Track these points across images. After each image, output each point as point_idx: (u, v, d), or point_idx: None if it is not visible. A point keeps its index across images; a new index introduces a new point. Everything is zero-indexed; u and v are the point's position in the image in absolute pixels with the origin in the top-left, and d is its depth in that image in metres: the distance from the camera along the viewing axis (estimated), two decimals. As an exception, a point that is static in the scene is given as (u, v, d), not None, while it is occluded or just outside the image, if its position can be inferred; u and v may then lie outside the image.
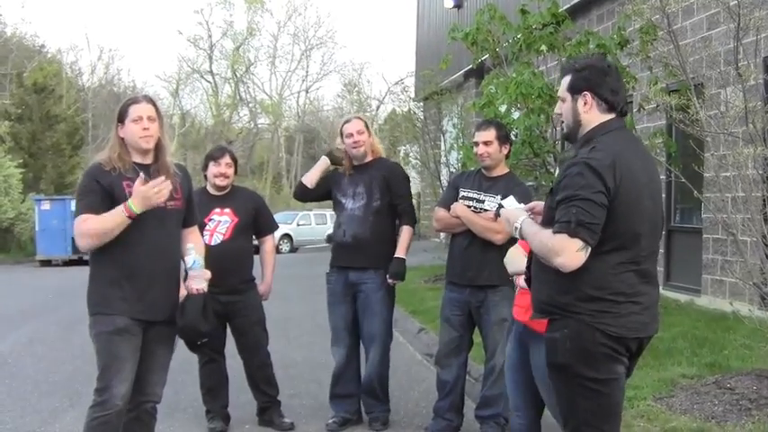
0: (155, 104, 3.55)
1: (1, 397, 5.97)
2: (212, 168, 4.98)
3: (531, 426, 3.64)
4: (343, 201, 4.99)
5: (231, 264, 4.76)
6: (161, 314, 3.50)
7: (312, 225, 28.34)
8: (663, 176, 7.16)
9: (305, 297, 10.88)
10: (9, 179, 23.31)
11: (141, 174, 3.43)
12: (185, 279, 3.63)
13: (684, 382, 5.19)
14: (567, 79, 2.89)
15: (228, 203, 4.98)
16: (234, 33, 47.32)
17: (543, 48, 6.95)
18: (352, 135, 4.92)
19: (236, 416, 5.12)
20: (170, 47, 71.40)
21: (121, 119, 3.50)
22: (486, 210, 4.54)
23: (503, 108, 7.06)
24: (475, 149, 4.68)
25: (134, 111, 3.47)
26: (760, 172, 5.52)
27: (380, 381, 5.01)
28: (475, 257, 4.53)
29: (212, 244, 4.71)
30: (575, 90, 2.86)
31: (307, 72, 50.28)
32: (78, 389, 5.90)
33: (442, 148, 14.05)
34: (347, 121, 5.04)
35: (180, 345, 3.76)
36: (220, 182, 4.98)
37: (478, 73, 14.14)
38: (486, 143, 4.58)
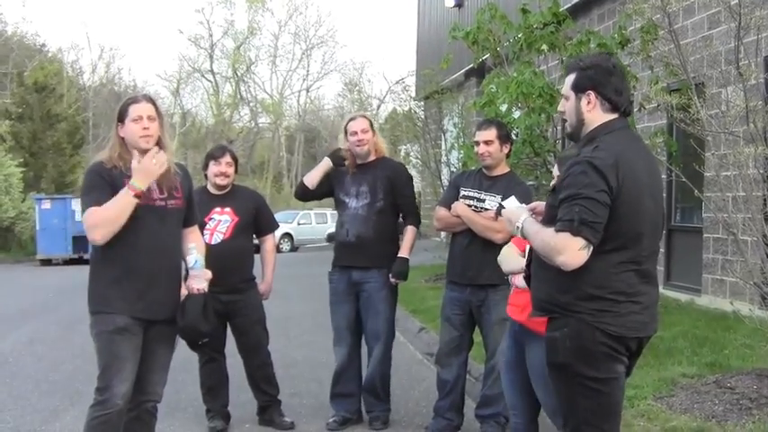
0: (155, 104, 3.54)
1: (1, 396, 5.97)
2: (213, 167, 4.98)
3: (528, 425, 3.64)
4: (346, 200, 4.99)
5: (232, 263, 4.76)
6: (162, 313, 3.50)
7: (313, 224, 28.35)
8: (663, 176, 7.16)
9: (305, 296, 10.88)
10: (10, 178, 23.31)
11: (135, 152, 3.42)
12: (186, 279, 3.63)
13: (685, 382, 5.19)
14: (571, 77, 2.89)
15: (229, 203, 4.98)
16: (235, 32, 47.43)
17: (544, 47, 6.94)
18: (356, 133, 4.92)
19: (236, 415, 5.12)
20: (171, 46, 71.62)
21: (121, 118, 3.50)
22: (486, 209, 4.53)
23: (503, 107, 7.05)
24: (476, 149, 4.67)
25: (134, 110, 3.46)
26: (761, 171, 5.51)
27: (382, 380, 5.01)
28: (475, 257, 4.53)
29: (213, 243, 4.71)
30: (579, 88, 2.85)
31: (307, 71, 50.46)
32: (79, 388, 5.90)
33: (443, 147, 14.04)
34: (352, 119, 5.04)
35: (180, 344, 3.76)
36: (221, 181, 4.98)
37: (479, 72, 14.13)
38: (486, 142, 4.58)
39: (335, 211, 5.22)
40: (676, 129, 7.89)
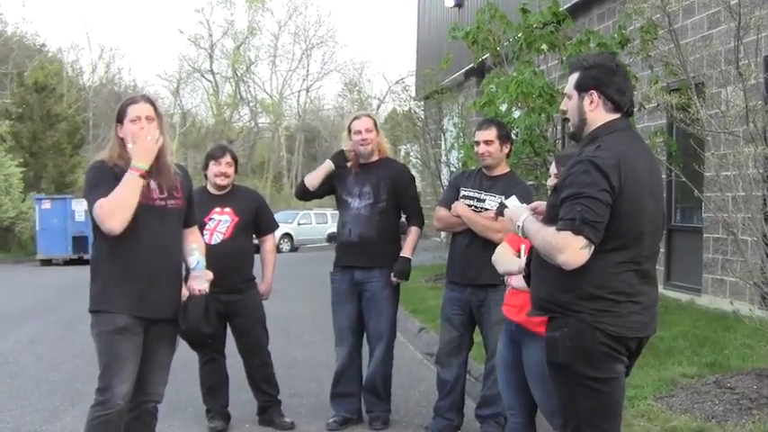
0: (153, 104, 3.54)
1: (2, 396, 5.98)
2: (213, 168, 4.98)
3: (526, 425, 3.63)
4: (349, 200, 4.98)
5: (231, 263, 4.75)
6: (162, 312, 3.50)
7: (313, 224, 28.33)
8: (663, 176, 7.15)
9: (305, 296, 10.89)
10: (10, 178, 23.29)
11: (129, 136, 3.42)
12: (187, 279, 3.63)
13: (685, 382, 5.19)
14: (574, 76, 2.88)
15: (229, 203, 4.98)
16: (234, 32, 47.37)
17: (544, 47, 6.95)
18: (360, 132, 4.92)
19: (236, 415, 5.12)
20: (171, 46, 71.61)
21: (120, 119, 3.49)
22: (486, 209, 4.53)
23: (503, 107, 7.06)
24: (476, 148, 4.67)
25: (132, 111, 3.46)
26: (760, 171, 5.52)
27: (384, 379, 5.01)
28: (475, 257, 4.53)
29: (212, 243, 4.71)
30: (582, 88, 2.85)
31: (307, 71, 50.36)
32: (79, 388, 5.90)
33: (443, 147, 14.04)
34: (356, 118, 5.03)
35: (181, 344, 3.76)
36: (221, 181, 4.98)
37: (479, 72, 14.12)
38: (487, 142, 4.58)
39: (336, 212, 5.22)
40: (676, 128, 7.90)
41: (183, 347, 3.81)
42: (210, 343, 3.89)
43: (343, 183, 5.02)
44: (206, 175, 5.06)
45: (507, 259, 3.53)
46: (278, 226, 5.61)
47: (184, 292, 3.59)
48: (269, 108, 49.31)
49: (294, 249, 26.60)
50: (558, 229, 2.65)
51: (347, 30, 66.16)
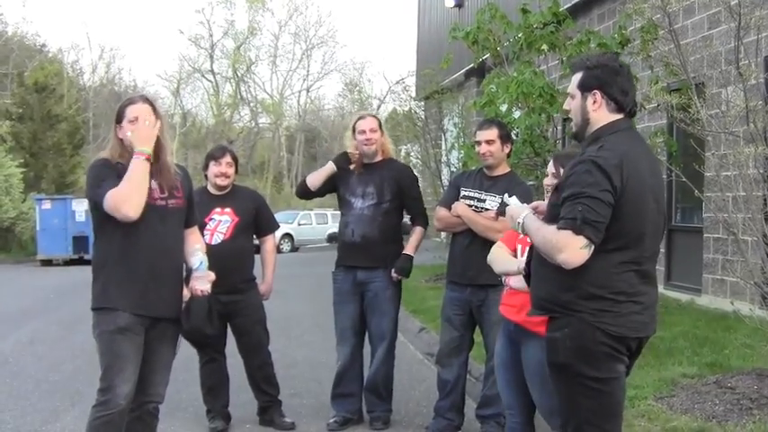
0: (152, 104, 3.53)
1: (2, 396, 5.98)
2: (213, 168, 4.98)
3: (524, 424, 3.63)
4: (352, 200, 4.98)
5: (232, 263, 4.75)
6: (163, 311, 3.50)
7: (313, 224, 28.34)
8: (664, 176, 7.15)
9: (306, 296, 10.88)
10: (10, 178, 23.30)
11: (126, 126, 3.42)
12: (188, 280, 3.63)
13: (685, 382, 5.19)
14: (577, 76, 2.89)
15: (229, 203, 4.98)
16: (235, 33, 47.41)
17: (544, 47, 6.95)
18: (365, 132, 4.92)
19: (236, 415, 5.12)
20: (171, 46, 71.66)
21: (119, 120, 3.49)
22: (487, 209, 4.54)
23: (504, 107, 7.05)
24: (477, 148, 4.68)
25: (131, 111, 3.46)
26: (761, 171, 5.52)
27: (385, 379, 5.02)
28: (476, 257, 4.52)
29: (213, 243, 4.71)
30: (585, 87, 2.85)
31: (308, 71, 50.40)
32: (79, 388, 5.90)
33: (443, 147, 14.04)
34: (361, 118, 5.04)
35: (182, 343, 3.76)
36: (221, 181, 4.98)
37: (479, 72, 14.12)
38: (488, 142, 4.58)
39: (336, 212, 5.23)
40: (676, 129, 7.90)
41: (183, 347, 3.81)
42: (211, 343, 3.88)
43: (346, 183, 5.02)
44: (206, 176, 5.06)
45: (504, 259, 3.53)
46: (278, 226, 5.61)
47: (186, 293, 3.60)
48: (269, 108, 49.32)
49: (294, 249, 26.60)
50: (559, 228, 2.65)
51: (347, 30, 66.29)
